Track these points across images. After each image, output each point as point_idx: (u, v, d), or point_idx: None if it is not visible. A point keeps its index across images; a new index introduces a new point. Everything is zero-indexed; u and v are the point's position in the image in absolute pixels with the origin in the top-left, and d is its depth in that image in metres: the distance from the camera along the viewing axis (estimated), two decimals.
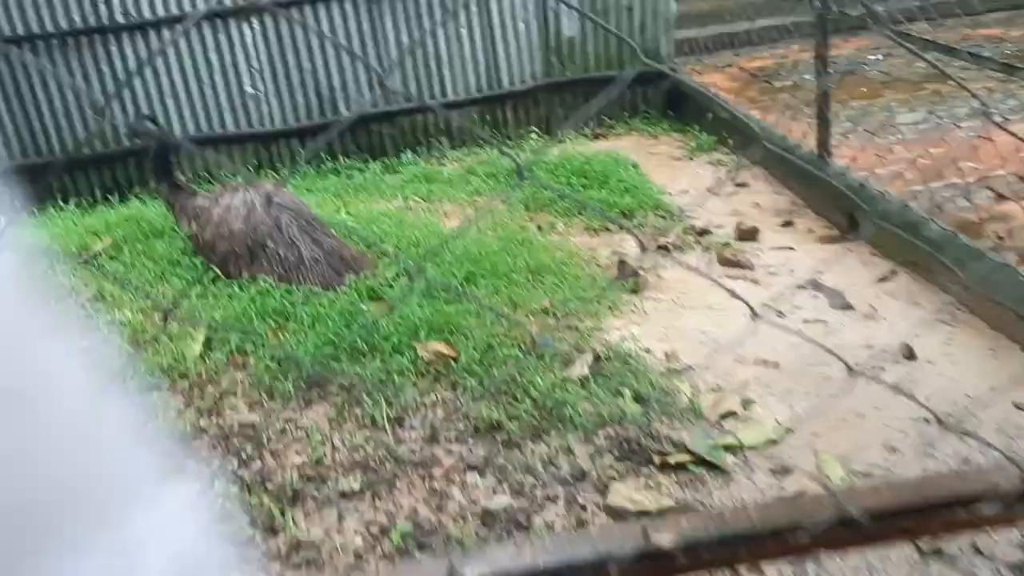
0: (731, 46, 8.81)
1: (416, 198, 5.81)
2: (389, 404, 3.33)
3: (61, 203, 6.89)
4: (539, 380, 3.38)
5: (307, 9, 6.89)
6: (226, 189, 4.49)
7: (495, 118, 7.45)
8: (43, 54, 6.75)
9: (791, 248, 4.91)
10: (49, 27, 6.68)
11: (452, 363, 3.52)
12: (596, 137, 7.40)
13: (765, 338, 3.93)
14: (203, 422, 3.30)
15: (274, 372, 3.51)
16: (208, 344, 3.77)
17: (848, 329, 3.97)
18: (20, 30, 6.67)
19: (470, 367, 3.47)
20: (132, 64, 6.83)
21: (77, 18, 6.70)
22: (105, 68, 6.83)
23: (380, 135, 7.35)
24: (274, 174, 7.11)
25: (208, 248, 4.39)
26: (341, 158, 7.26)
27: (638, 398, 3.38)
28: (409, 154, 7.32)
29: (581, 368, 3.52)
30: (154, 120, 4.82)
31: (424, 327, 3.71)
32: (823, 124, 5.25)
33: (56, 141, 6.95)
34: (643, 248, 4.77)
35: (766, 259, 4.78)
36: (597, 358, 3.61)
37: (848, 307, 4.15)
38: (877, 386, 2.62)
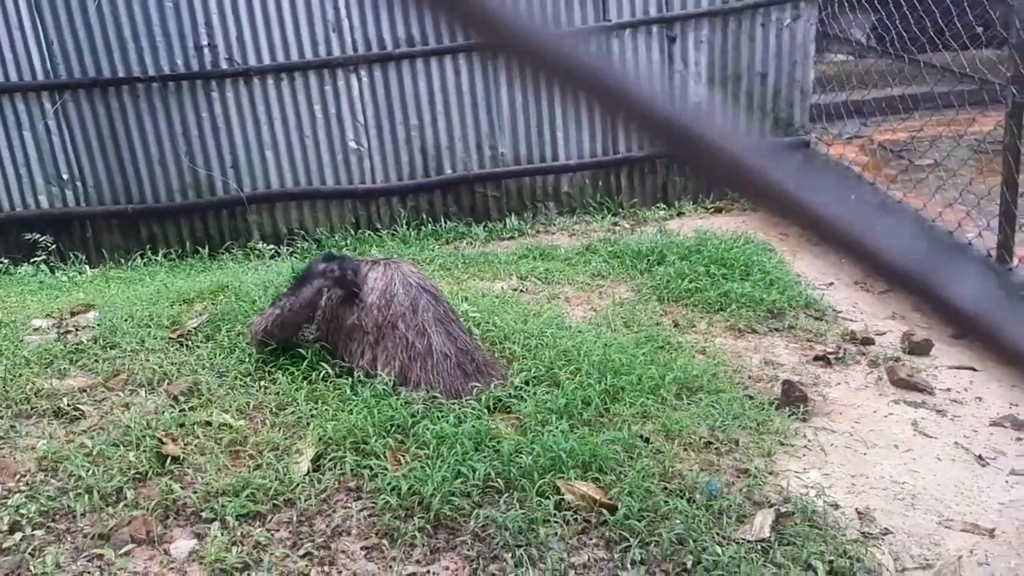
0: (859, 115, 8.14)
1: (533, 278, 5.29)
2: (532, 563, 2.77)
3: (151, 254, 6.56)
4: (716, 548, 2.79)
5: (419, 63, 6.48)
6: (363, 262, 4.03)
7: (608, 185, 6.93)
8: (143, 98, 6.45)
9: (972, 368, 4.25)
10: (151, 71, 6.38)
11: (604, 512, 2.95)
12: (717, 210, 6.82)
13: (971, 493, 3.29)
14: (314, 573, 2.77)
15: (394, 509, 2.98)
16: (317, 461, 3.27)
17: None
18: (120, 72, 6.38)
19: (628, 522, 2.89)
20: (233, 112, 6.49)
21: (180, 63, 6.38)
22: (205, 115, 6.50)
23: (485, 198, 6.88)
24: (372, 233, 6.68)
25: (336, 320, 3.90)
26: (443, 220, 6.81)
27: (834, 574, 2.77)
28: (514, 219, 6.83)
29: (761, 529, 2.92)
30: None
31: (568, 460, 3.15)
32: (1008, 223, 4.60)
33: (149, 189, 6.62)
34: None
35: (945, 380, 4.14)
36: (777, 515, 3.00)
37: None
38: None
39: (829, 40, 9.13)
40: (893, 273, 0.48)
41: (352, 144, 6.64)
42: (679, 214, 6.77)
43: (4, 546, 2.84)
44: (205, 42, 6.35)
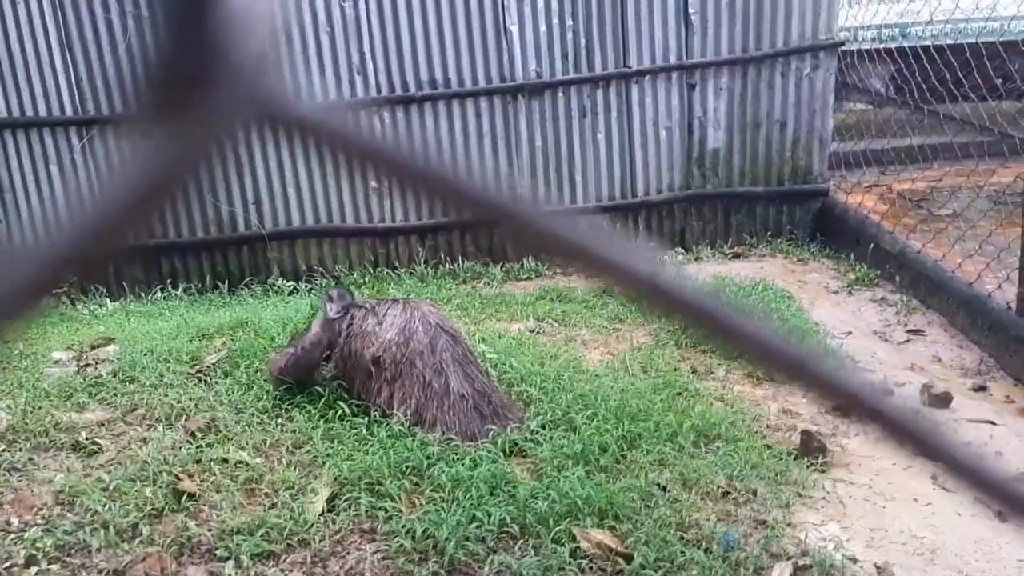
0: (878, 164, 8.16)
1: (550, 320, 5.30)
2: None
3: (171, 288, 6.62)
4: None
5: (440, 105, 6.57)
6: (382, 301, 4.06)
7: (626, 228, 6.95)
8: None
9: (992, 423, 4.21)
10: None
11: (620, 561, 2.93)
12: (734, 256, 6.83)
13: (990, 550, 3.24)
14: None
15: (408, 552, 2.97)
16: (332, 501, 3.26)
17: None
18: None
19: (644, 572, 2.86)
20: (257, 150, 6.59)
21: None
22: (229, 153, 6.58)
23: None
24: (391, 271, 6.72)
25: (354, 357, 3.92)
26: (460, 259, 6.85)
27: None
28: (531, 260, 6.85)
29: None
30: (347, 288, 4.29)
31: (584, 507, 3.13)
32: None
33: (171, 224, 6.70)
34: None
35: (964, 434, 4.09)
36: (795, 568, 2.97)
37: None
38: None
39: (848, 89, 9.19)
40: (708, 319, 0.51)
41: (373, 183, 6.71)
42: (697, 259, 6.78)
43: None
44: None
